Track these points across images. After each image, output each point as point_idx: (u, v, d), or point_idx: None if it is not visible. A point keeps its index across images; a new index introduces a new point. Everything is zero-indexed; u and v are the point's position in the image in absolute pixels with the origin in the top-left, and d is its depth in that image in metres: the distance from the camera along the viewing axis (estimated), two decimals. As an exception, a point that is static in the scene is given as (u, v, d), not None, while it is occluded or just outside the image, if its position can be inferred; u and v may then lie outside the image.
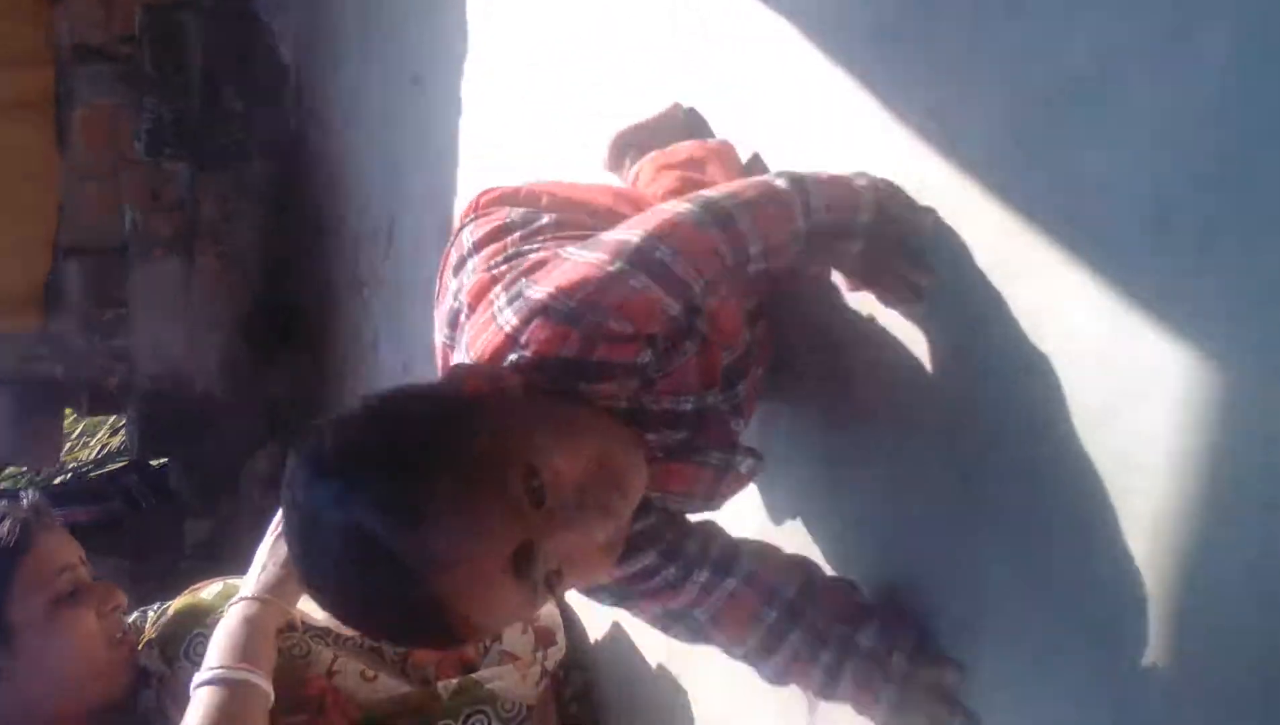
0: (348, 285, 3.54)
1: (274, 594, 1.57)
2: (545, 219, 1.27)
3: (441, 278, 1.33)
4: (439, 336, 1.30)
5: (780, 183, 1.17)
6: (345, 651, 1.64)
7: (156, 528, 4.10)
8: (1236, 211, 0.91)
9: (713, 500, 1.30)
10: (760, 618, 1.25)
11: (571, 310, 1.08)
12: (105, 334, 4.11)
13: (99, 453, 5.14)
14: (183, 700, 1.50)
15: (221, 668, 1.50)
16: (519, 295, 1.10)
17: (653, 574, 1.22)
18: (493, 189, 1.35)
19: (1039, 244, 1.08)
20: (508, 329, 1.10)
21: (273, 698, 1.48)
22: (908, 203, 1.24)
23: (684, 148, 1.52)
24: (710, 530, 1.30)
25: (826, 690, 1.24)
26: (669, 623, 1.29)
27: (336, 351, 3.72)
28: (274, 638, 1.55)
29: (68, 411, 4.60)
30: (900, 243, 1.23)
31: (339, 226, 3.61)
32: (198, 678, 1.50)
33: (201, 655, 1.57)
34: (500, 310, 1.11)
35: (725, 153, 1.51)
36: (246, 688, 1.46)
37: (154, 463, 4.33)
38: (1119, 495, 1.01)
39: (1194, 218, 0.94)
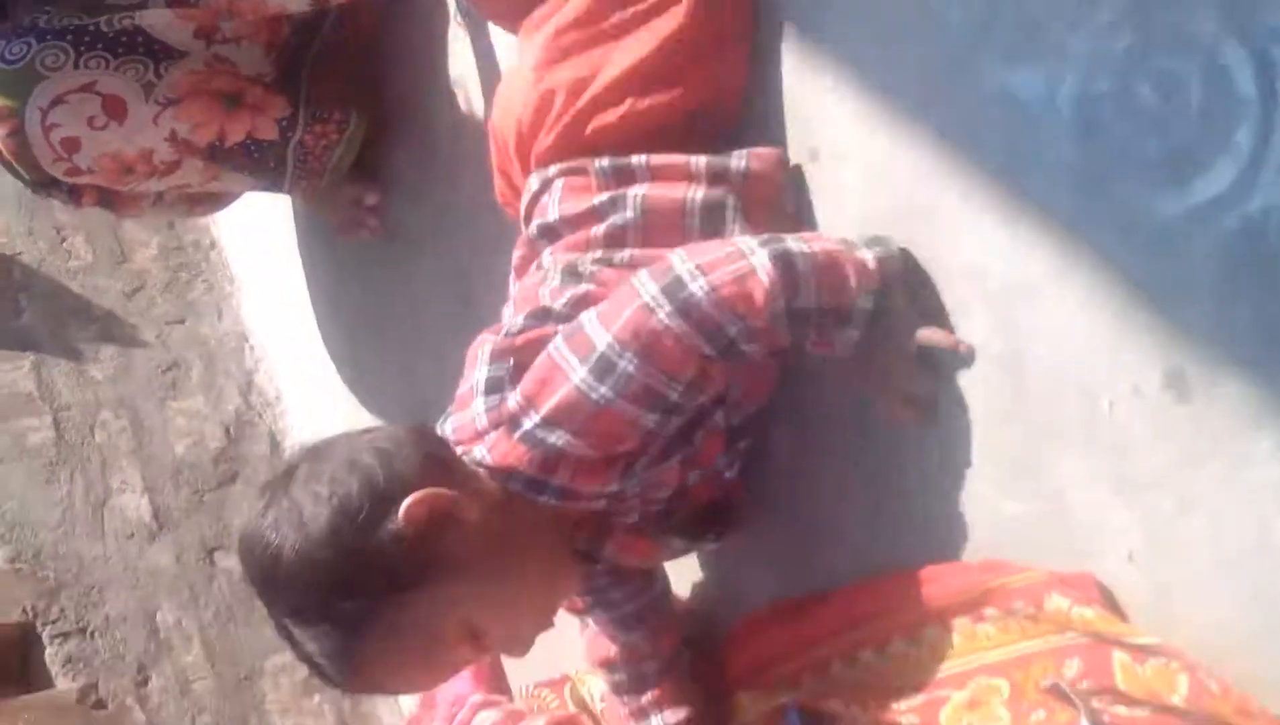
0: None
1: None
2: (629, 214, 1.21)
3: (525, 221, 1.32)
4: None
5: (760, 261, 1.06)
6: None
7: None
8: None
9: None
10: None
11: (533, 429, 1.09)
12: None
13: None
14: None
15: None
16: (499, 390, 1.12)
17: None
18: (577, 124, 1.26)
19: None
20: (479, 425, 1.13)
21: None
22: (918, 281, 1.13)
23: None
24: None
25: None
26: None
27: None
28: None
29: None
30: (904, 341, 1.12)
31: None
32: None
33: None
34: (479, 393, 1.13)
35: None
36: None
37: None
38: None
39: None
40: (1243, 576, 0.91)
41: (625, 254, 1.22)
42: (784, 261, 1.06)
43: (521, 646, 1.18)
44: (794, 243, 1.09)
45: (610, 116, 1.25)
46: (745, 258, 1.07)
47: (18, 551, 2.30)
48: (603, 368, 1.05)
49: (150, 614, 2.29)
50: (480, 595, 1.10)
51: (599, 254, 1.22)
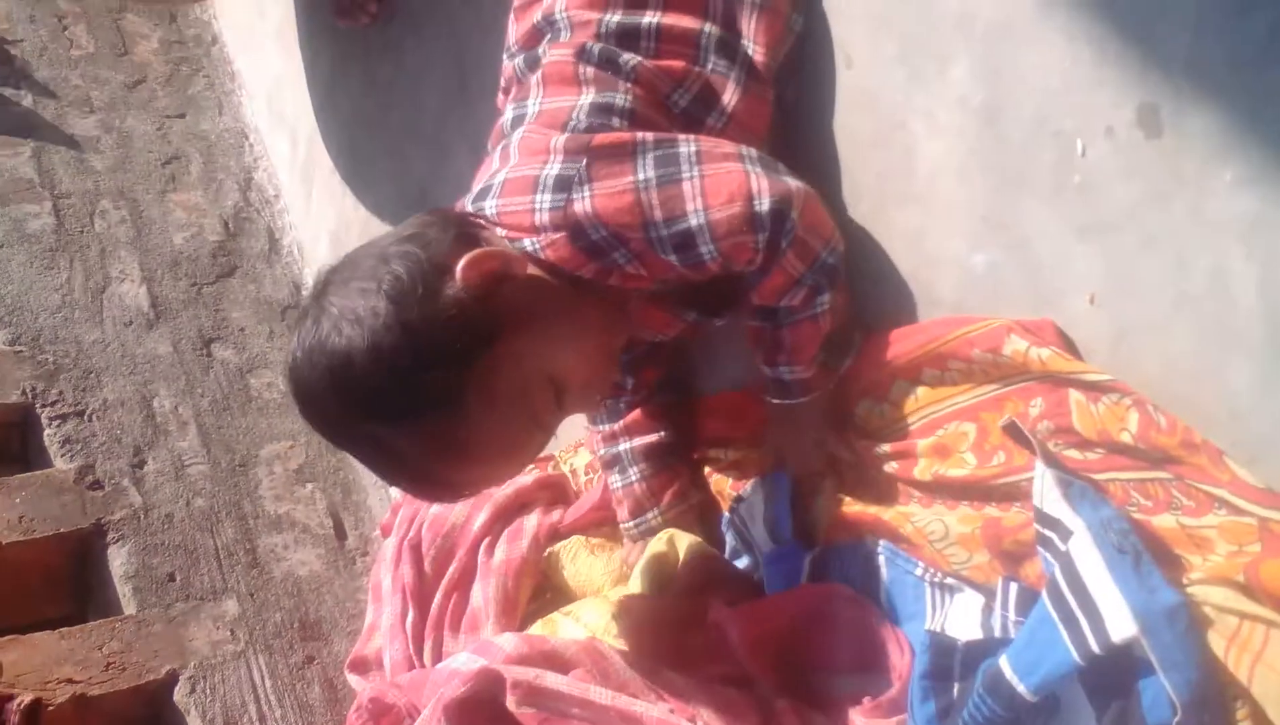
0: None
1: None
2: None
3: None
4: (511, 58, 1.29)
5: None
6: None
7: None
8: None
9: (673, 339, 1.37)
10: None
11: (598, 242, 1.08)
12: None
13: None
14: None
15: None
16: (565, 190, 1.08)
17: None
18: None
19: None
20: (537, 220, 1.09)
21: None
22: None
23: None
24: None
25: None
26: None
27: None
28: None
29: None
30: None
31: None
32: None
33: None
34: (543, 188, 1.09)
35: None
36: None
37: None
38: None
39: None
40: (1198, 314, 0.91)
41: (652, 21, 1.19)
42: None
43: (597, 397, 1.22)
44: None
45: None
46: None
47: (17, 334, 2.32)
48: (684, 242, 1.08)
49: (147, 399, 2.32)
50: (553, 342, 1.09)
51: (619, 17, 1.20)
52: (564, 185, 1.08)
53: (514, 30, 1.32)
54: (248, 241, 2.58)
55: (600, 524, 1.59)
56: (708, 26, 1.20)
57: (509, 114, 1.22)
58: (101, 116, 2.63)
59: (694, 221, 1.07)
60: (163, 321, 2.42)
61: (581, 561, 1.56)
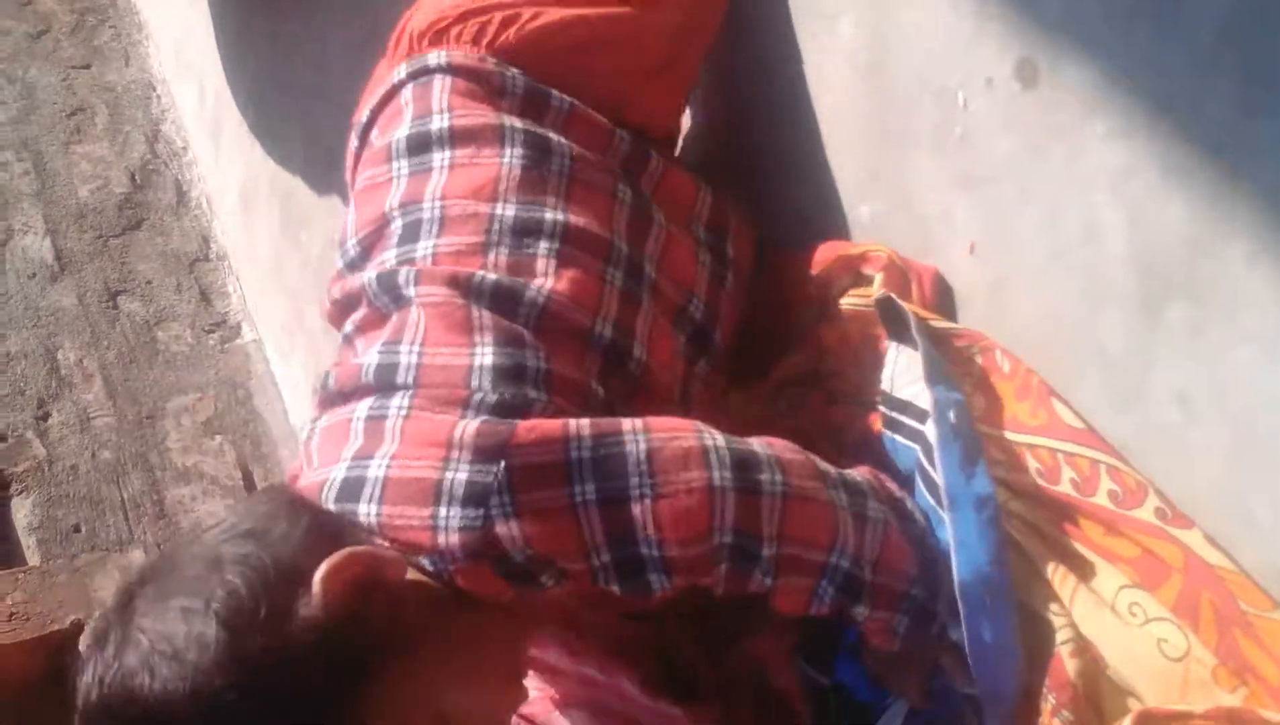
0: None
1: None
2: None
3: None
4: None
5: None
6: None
7: None
8: None
9: None
10: None
11: (523, 564, 0.85)
12: None
13: None
14: None
15: None
16: (481, 505, 0.83)
17: None
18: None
19: None
20: (441, 542, 0.84)
21: None
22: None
23: None
24: None
25: None
26: None
27: None
28: None
29: None
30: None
31: None
32: None
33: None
34: (448, 499, 0.84)
35: None
36: None
37: None
38: None
39: None
40: (1072, 263, 0.95)
41: (557, 218, 1.03)
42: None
43: None
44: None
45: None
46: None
47: (-86, 286, 2.29)
48: (632, 569, 0.87)
49: (51, 352, 2.29)
50: (443, 668, 0.86)
51: (514, 211, 1.02)
52: (478, 498, 0.84)
53: (356, 216, 1.11)
54: (155, 194, 2.55)
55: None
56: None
57: (373, 358, 0.96)
58: (3, 67, 2.59)
59: (644, 550, 0.86)
60: (67, 274, 2.39)
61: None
